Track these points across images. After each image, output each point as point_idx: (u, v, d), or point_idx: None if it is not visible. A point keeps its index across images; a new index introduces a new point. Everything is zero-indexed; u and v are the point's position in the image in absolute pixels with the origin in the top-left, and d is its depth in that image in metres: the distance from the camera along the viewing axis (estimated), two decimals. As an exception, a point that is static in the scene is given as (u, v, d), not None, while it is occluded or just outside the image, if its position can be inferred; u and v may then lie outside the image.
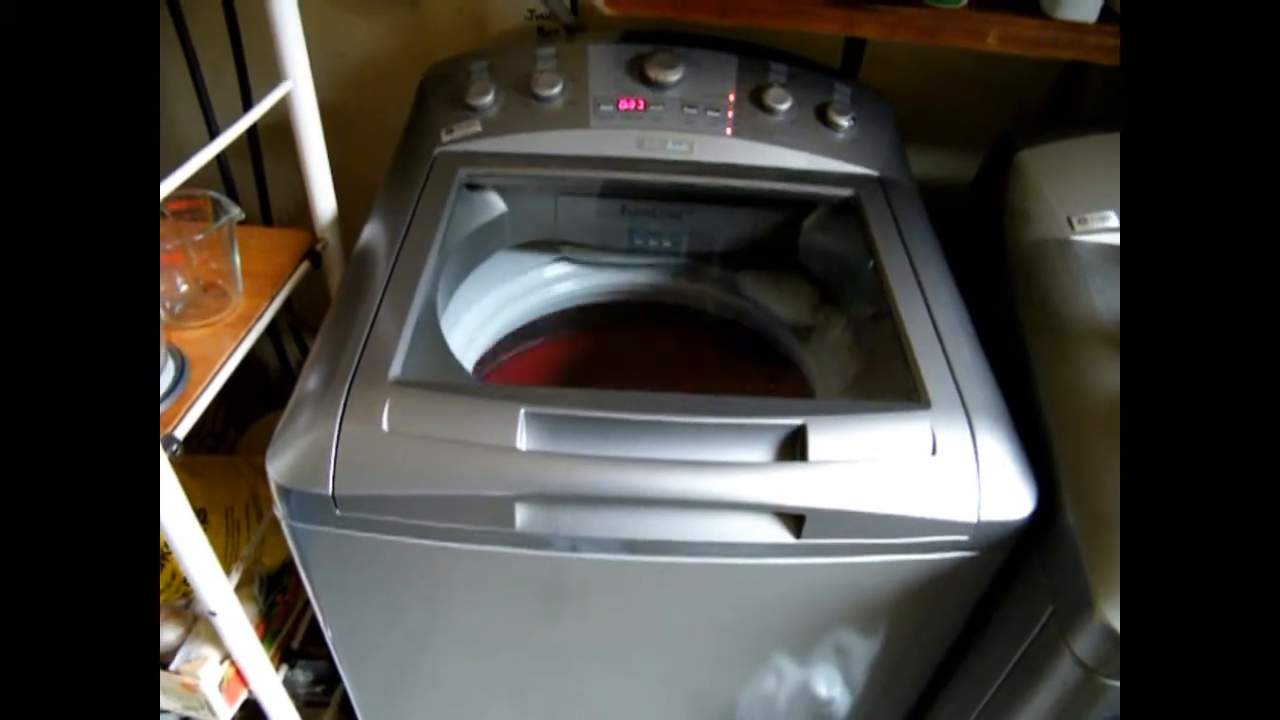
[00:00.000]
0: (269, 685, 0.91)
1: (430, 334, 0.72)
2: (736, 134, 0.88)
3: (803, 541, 0.64)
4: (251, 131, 1.15)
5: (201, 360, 0.75)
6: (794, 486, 0.62)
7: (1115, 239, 0.82)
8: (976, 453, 0.64)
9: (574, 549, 0.66)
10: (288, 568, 0.99)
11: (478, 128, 0.88)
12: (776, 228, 0.92)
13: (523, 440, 0.62)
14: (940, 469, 0.63)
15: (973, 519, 0.64)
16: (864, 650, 0.78)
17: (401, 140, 0.94)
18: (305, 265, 0.90)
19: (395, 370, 0.66)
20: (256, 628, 0.91)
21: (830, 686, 0.84)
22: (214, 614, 0.79)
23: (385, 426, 0.63)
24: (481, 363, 0.95)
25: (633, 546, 0.65)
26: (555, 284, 1.03)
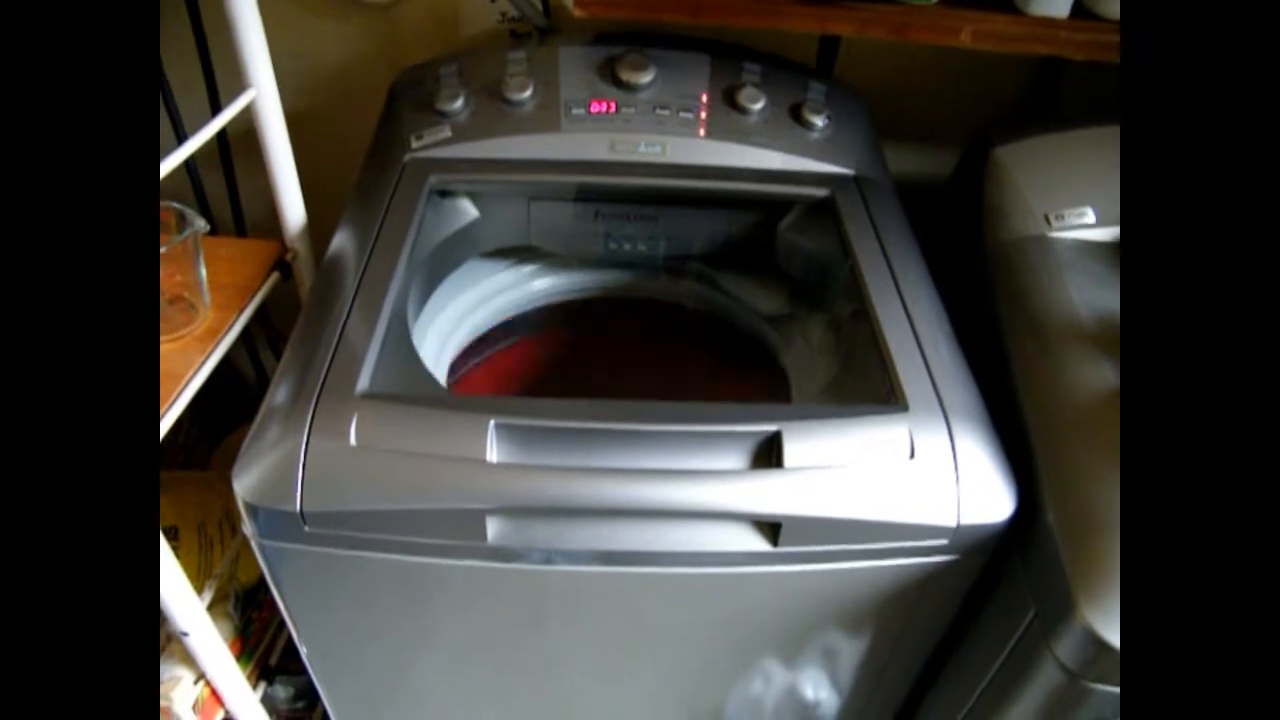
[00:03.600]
0: (246, 704, 0.90)
1: (400, 344, 0.71)
2: (710, 135, 0.87)
3: (780, 549, 0.63)
4: (221, 140, 1.13)
5: (169, 376, 0.73)
6: (769, 494, 0.61)
7: (1093, 235, 0.82)
8: (955, 455, 0.63)
9: (548, 561, 0.65)
10: (264, 583, 0.98)
11: (448, 133, 0.87)
12: (752, 229, 0.92)
13: (492, 452, 0.61)
14: (919, 473, 0.63)
15: (952, 523, 0.63)
16: (847, 655, 0.77)
17: (371, 147, 0.92)
18: (275, 276, 0.88)
19: (363, 383, 0.65)
20: (232, 645, 0.89)
21: (815, 691, 0.83)
22: (186, 634, 0.78)
23: (353, 441, 0.61)
24: (457, 365, 0.94)
25: (607, 558, 0.64)
26: (533, 282, 1.02)
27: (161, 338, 0.77)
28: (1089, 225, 0.81)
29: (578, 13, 0.87)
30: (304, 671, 0.82)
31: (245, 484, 0.62)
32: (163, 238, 0.76)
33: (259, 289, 0.85)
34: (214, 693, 0.86)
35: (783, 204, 0.89)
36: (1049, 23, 0.83)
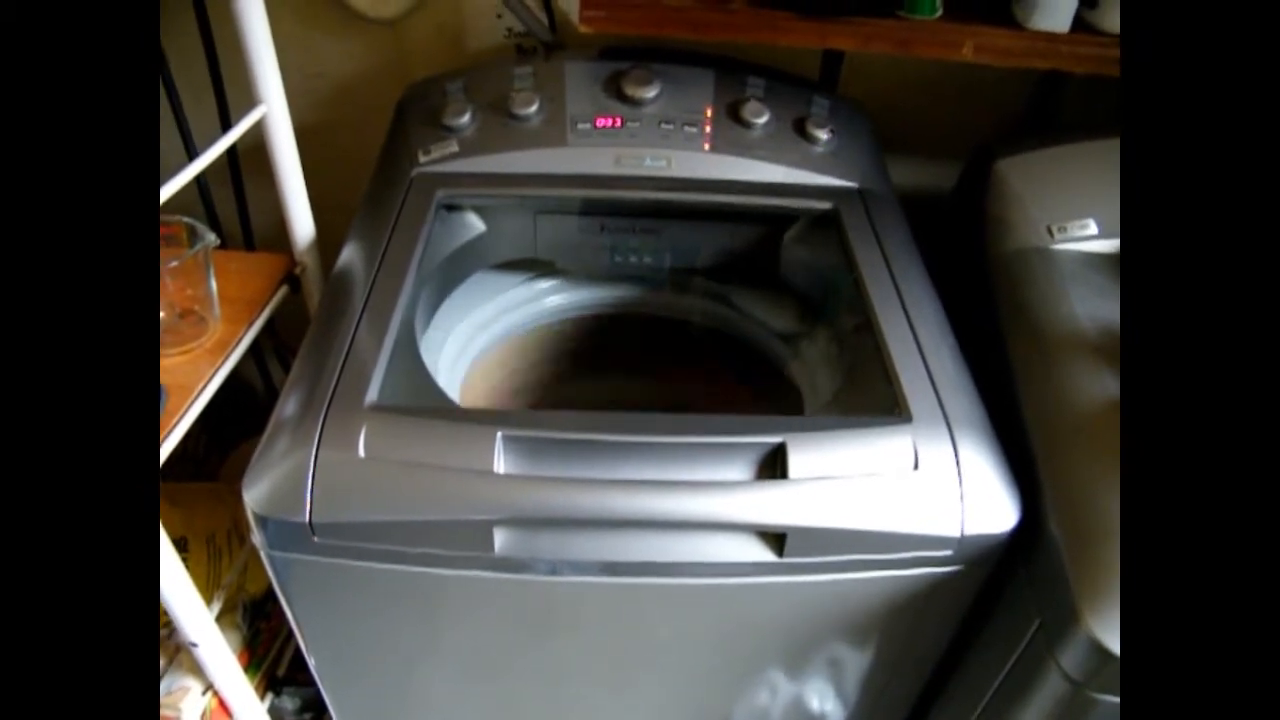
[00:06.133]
0: (254, 715, 0.90)
1: (408, 357, 0.71)
2: (714, 149, 0.88)
3: (785, 560, 0.63)
4: (231, 155, 1.14)
5: (179, 388, 0.74)
6: (774, 505, 0.61)
7: (1095, 247, 0.82)
8: (959, 466, 0.64)
9: (555, 572, 0.65)
10: (272, 594, 0.98)
11: (455, 148, 0.88)
12: (757, 242, 0.92)
13: (500, 464, 0.62)
14: (923, 483, 0.63)
15: (956, 533, 0.63)
16: (852, 666, 0.77)
17: (379, 161, 0.93)
18: (284, 289, 0.89)
19: (372, 395, 0.65)
20: (240, 656, 0.90)
21: (820, 701, 0.83)
22: (195, 645, 0.78)
23: (362, 452, 0.62)
24: (469, 380, 0.94)
25: (614, 569, 0.65)
26: (540, 296, 1.03)
27: (172, 350, 0.77)
28: (1091, 237, 0.82)
29: (583, 28, 0.88)
30: (312, 682, 0.83)
31: (255, 495, 0.63)
32: (174, 252, 0.77)
33: (268, 302, 0.86)
34: (222, 703, 0.86)
35: (787, 217, 0.89)
36: (1050, 37, 0.84)
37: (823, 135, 0.90)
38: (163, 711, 0.81)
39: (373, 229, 0.82)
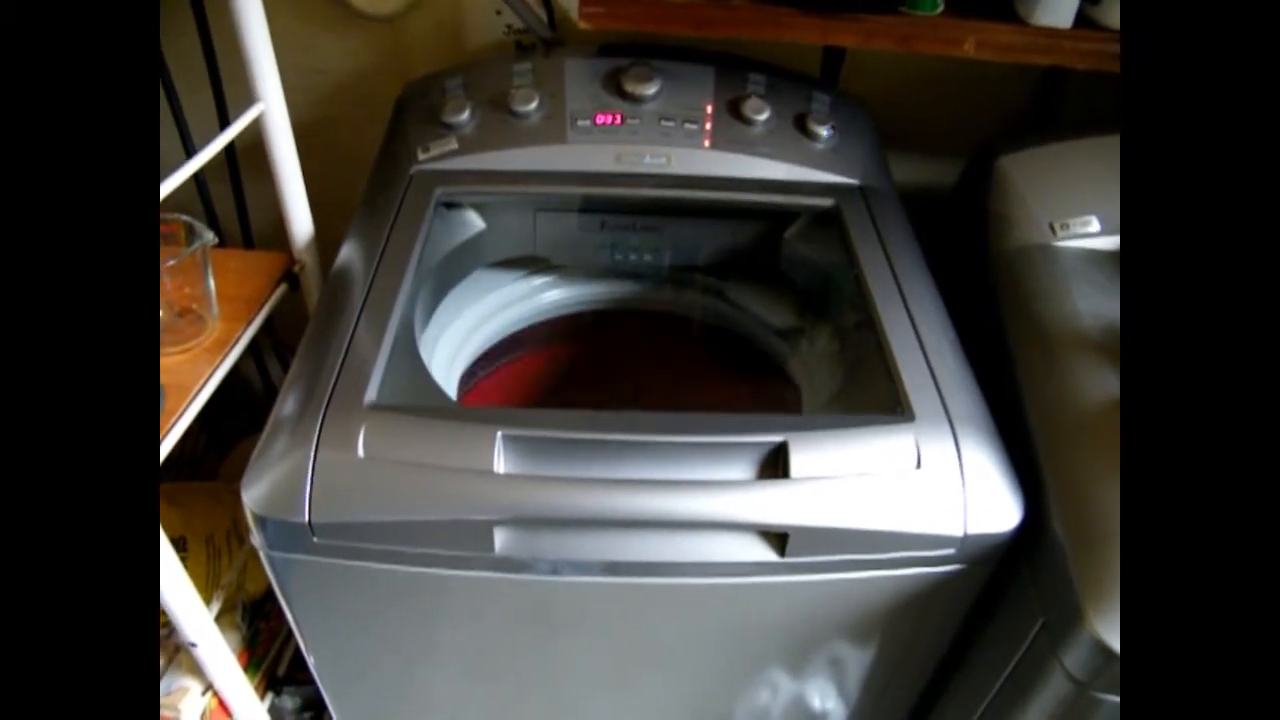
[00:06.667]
0: (254, 715, 0.90)
1: (407, 355, 0.71)
2: (715, 146, 0.88)
3: (787, 559, 0.63)
4: (229, 153, 1.14)
5: (177, 387, 0.73)
6: (776, 505, 0.61)
7: (1098, 244, 0.82)
8: (962, 465, 0.63)
9: (555, 572, 0.65)
10: (272, 594, 0.98)
11: (454, 145, 0.88)
12: (758, 239, 0.92)
13: (500, 463, 0.61)
14: (925, 482, 0.63)
15: (959, 532, 0.63)
16: (854, 665, 0.77)
17: (378, 159, 0.93)
18: (283, 288, 0.89)
19: (371, 394, 0.65)
20: (240, 656, 0.90)
21: (822, 701, 0.83)
22: (194, 645, 0.78)
23: (361, 452, 0.62)
24: (468, 375, 0.94)
25: (615, 568, 0.64)
26: (540, 293, 1.02)
27: (170, 349, 0.77)
28: (1093, 234, 0.82)
29: (583, 25, 0.87)
30: (311, 682, 0.83)
31: (254, 495, 0.63)
32: (172, 250, 0.77)
33: (267, 300, 0.85)
34: (222, 703, 0.86)
35: (788, 214, 0.89)
36: (1052, 33, 0.83)
37: (824, 132, 0.90)
38: (162, 712, 0.81)
39: (372, 227, 0.82)
